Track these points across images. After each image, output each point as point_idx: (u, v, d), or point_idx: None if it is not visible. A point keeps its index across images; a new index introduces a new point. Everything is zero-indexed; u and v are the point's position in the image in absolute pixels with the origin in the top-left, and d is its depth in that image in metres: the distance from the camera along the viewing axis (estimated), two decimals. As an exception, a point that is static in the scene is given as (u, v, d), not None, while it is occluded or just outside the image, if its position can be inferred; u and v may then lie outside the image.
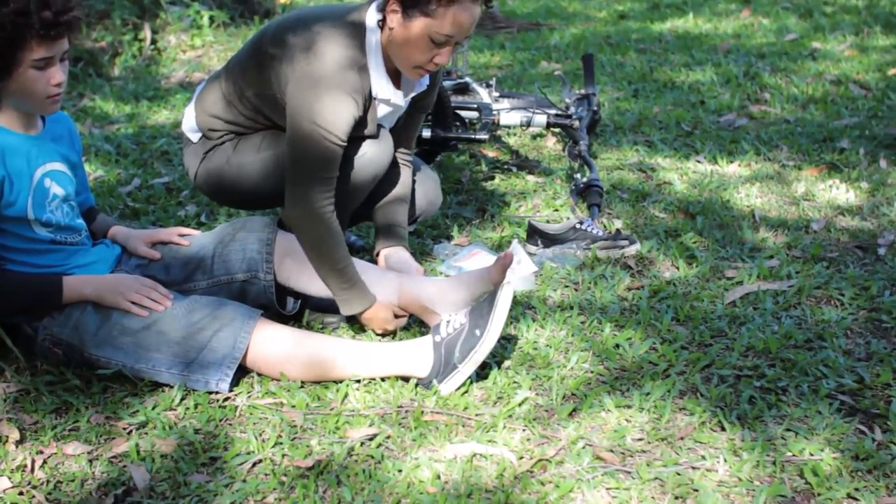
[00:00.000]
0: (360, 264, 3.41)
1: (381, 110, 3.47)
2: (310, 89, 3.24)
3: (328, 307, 3.48)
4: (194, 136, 3.68)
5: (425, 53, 3.27)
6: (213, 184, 3.67)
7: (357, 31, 3.34)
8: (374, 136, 3.48)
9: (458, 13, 3.17)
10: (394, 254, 3.69)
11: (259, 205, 3.84)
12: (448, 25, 3.18)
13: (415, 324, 3.46)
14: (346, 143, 3.30)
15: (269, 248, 3.34)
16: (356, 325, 3.49)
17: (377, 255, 3.73)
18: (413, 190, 3.86)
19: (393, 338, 3.39)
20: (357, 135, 3.40)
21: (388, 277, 3.42)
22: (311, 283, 3.38)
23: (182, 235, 3.46)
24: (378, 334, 3.41)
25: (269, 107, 3.47)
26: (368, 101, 3.38)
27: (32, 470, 2.72)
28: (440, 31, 3.19)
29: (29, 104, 3.04)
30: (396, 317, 3.41)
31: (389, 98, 3.42)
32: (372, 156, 3.46)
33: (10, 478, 2.67)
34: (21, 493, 2.62)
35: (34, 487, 2.64)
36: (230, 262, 3.34)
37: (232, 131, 3.61)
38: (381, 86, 3.40)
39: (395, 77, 3.48)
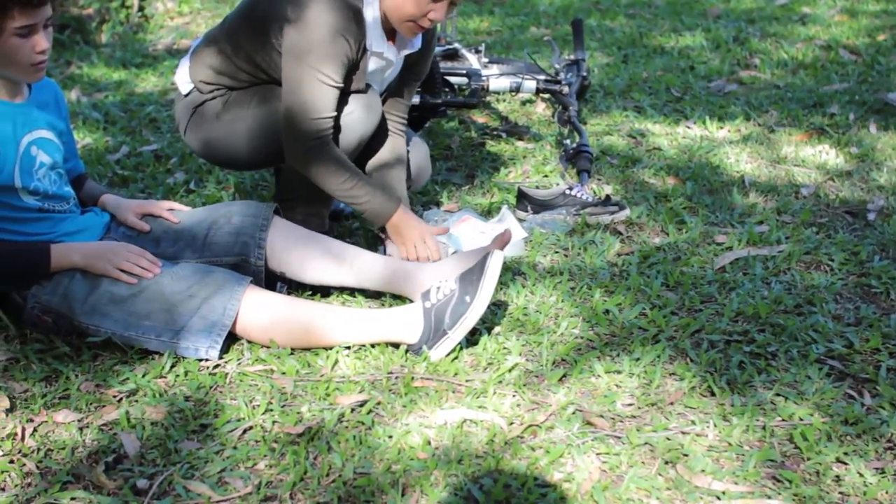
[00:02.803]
0: (347, 248, 3.42)
1: (373, 64, 3.49)
2: (307, 33, 3.27)
3: None
4: (185, 88, 3.68)
5: (420, 7, 3.29)
6: (203, 142, 3.68)
7: None
8: (363, 92, 3.48)
9: None
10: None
11: (247, 165, 3.82)
12: None
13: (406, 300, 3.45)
14: (341, 85, 3.34)
15: (263, 234, 3.33)
16: (345, 291, 3.49)
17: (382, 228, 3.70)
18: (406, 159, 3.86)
19: (383, 304, 3.39)
20: (345, 88, 3.41)
21: (379, 258, 3.41)
22: (304, 270, 3.37)
23: (172, 210, 3.44)
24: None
25: (263, 56, 3.48)
26: (361, 50, 3.39)
27: (23, 438, 2.72)
28: None
29: (13, 72, 3.02)
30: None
31: (382, 52, 3.44)
32: (359, 115, 3.47)
33: (0, 446, 2.67)
34: (12, 462, 2.62)
35: (25, 455, 2.64)
36: (221, 245, 3.33)
37: (224, 85, 3.61)
38: (375, 38, 3.42)
39: (390, 33, 3.49)
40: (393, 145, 3.76)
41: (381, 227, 3.52)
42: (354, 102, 3.46)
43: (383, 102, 3.73)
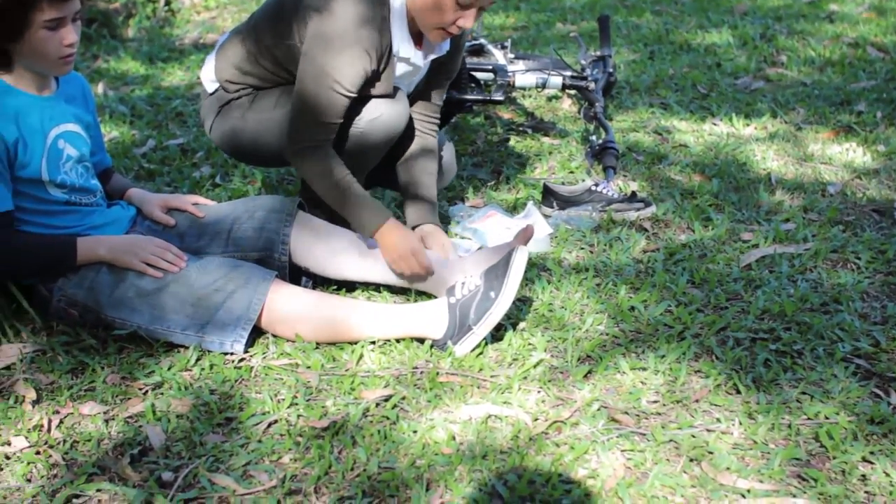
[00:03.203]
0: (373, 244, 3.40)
1: (400, 69, 3.44)
2: (325, 40, 3.23)
3: None
4: (210, 87, 3.67)
5: (449, 15, 3.23)
6: (228, 139, 3.67)
7: None
8: (390, 96, 3.45)
9: None
10: (428, 231, 3.62)
11: (273, 162, 3.81)
12: None
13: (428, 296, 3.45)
14: (353, 95, 3.30)
15: (287, 229, 3.33)
16: (371, 287, 3.49)
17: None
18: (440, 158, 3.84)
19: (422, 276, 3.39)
20: (372, 93, 3.38)
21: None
22: (328, 265, 3.37)
23: (197, 205, 3.45)
24: (404, 276, 3.37)
25: (288, 57, 3.45)
26: (387, 57, 3.35)
27: (49, 430, 2.73)
28: None
29: (41, 65, 3.03)
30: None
31: (409, 57, 3.40)
32: (386, 118, 3.43)
33: (26, 437, 2.68)
34: (38, 453, 2.63)
35: (51, 447, 2.65)
36: (246, 239, 3.34)
37: (250, 84, 3.59)
38: (402, 43, 3.37)
39: (417, 37, 3.44)
40: (423, 146, 3.73)
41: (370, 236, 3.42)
42: (382, 105, 3.43)
43: (413, 102, 3.71)
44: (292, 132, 3.34)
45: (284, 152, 3.39)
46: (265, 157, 3.73)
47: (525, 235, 3.27)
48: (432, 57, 3.53)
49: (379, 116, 3.42)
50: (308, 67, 3.28)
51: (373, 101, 3.42)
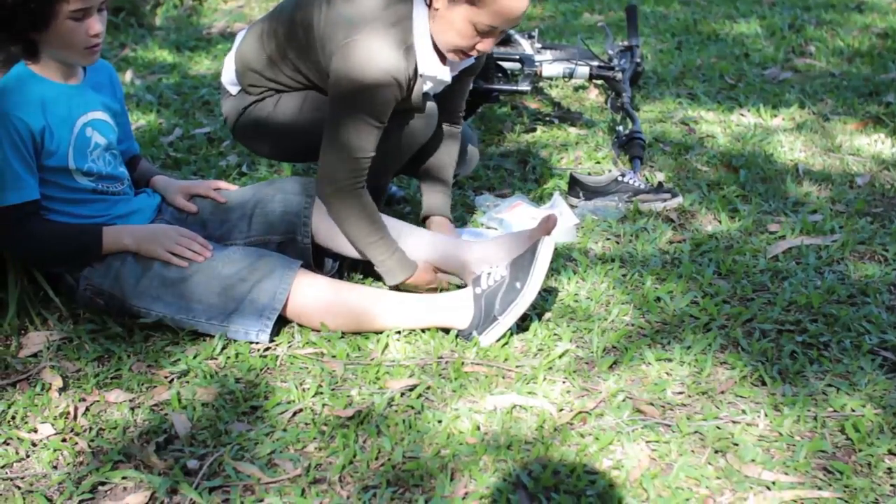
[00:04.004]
0: (397, 225, 3.39)
1: (428, 85, 3.37)
2: (355, 72, 3.13)
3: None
4: (233, 90, 3.62)
5: (467, 40, 3.17)
6: (252, 138, 3.66)
7: (405, 8, 3.22)
8: (421, 110, 3.41)
9: (504, 3, 3.04)
10: (436, 223, 3.67)
11: (298, 159, 3.84)
12: (492, 16, 3.07)
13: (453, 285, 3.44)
14: (384, 124, 3.23)
15: (308, 211, 3.33)
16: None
17: (423, 219, 3.72)
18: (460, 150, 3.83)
19: (435, 290, 3.39)
20: (402, 108, 3.33)
21: (427, 238, 3.39)
22: (352, 247, 3.37)
23: (219, 190, 3.45)
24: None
25: (312, 70, 3.40)
26: (413, 79, 3.28)
27: (75, 417, 2.74)
28: (483, 21, 3.09)
29: (67, 55, 3.04)
30: (439, 271, 3.39)
31: (436, 75, 3.32)
32: (414, 127, 3.41)
33: (53, 424, 2.70)
34: (64, 440, 2.64)
35: (77, 434, 2.67)
36: (268, 223, 3.34)
37: (272, 88, 3.54)
38: (428, 63, 3.28)
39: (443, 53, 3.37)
40: (446, 136, 3.71)
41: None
42: (412, 119, 3.40)
43: (439, 98, 3.68)
44: (327, 171, 3.25)
45: (319, 195, 3.31)
46: (289, 156, 3.76)
47: (548, 225, 3.25)
48: (461, 67, 3.49)
49: (408, 125, 3.40)
50: (339, 107, 3.20)
51: (402, 112, 3.37)
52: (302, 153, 3.63)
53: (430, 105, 3.45)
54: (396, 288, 3.31)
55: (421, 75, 3.29)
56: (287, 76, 3.48)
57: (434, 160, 3.70)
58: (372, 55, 3.11)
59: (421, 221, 3.72)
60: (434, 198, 3.70)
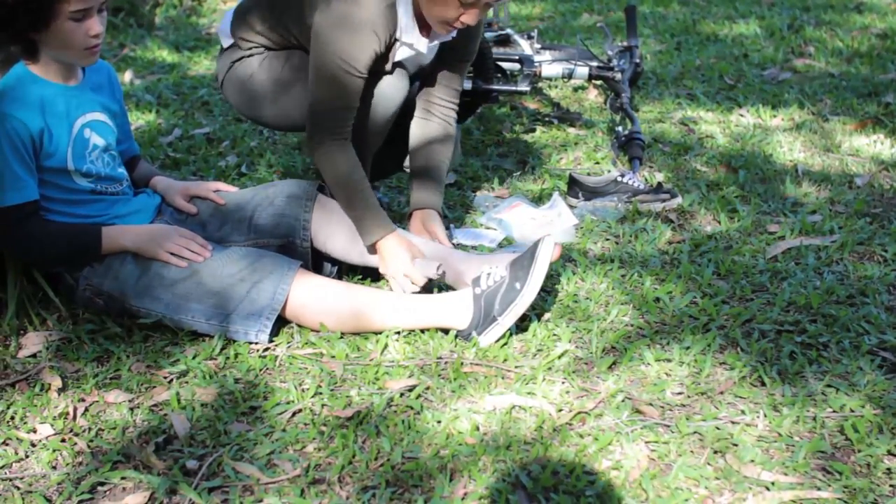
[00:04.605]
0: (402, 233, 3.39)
1: (402, 53, 3.45)
2: (335, 22, 3.24)
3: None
4: (225, 41, 3.76)
5: (452, 12, 3.23)
6: (236, 94, 3.76)
7: None
8: (388, 73, 3.48)
9: None
10: (425, 215, 3.65)
11: (274, 125, 3.86)
12: None
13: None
14: (365, 76, 3.31)
15: (308, 215, 3.33)
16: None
17: (410, 215, 3.70)
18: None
19: (431, 290, 3.39)
20: (374, 69, 3.39)
21: (423, 246, 3.39)
22: (350, 252, 3.37)
23: (218, 192, 3.45)
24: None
25: (300, 28, 3.49)
26: (392, 40, 3.36)
27: (74, 417, 2.75)
28: None
29: (67, 55, 3.04)
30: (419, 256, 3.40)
31: (413, 43, 3.40)
32: (381, 95, 3.47)
33: (52, 425, 2.70)
34: (63, 440, 2.65)
35: (76, 434, 2.67)
36: (267, 226, 3.34)
37: (262, 44, 3.65)
38: (407, 30, 3.37)
39: (424, 24, 3.43)
40: (439, 131, 3.74)
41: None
42: (381, 81, 3.46)
43: (430, 86, 3.72)
44: (312, 120, 3.34)
45: (305, 147, 3.39)
46: (267, 121, 3.80)
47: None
48: (439, 41, 3.54)
49: (377, 93, 3.46)
50: (321, 53, 3.28)
51: (372, 78, 3.43)
52: (278, 118, 3.71)
53: (401, 74, 3.52)
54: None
55: (398, 39, 3.38)
56: (276, 32, 3.60)
57: (427, 159, 3.70)
58: (354, 5, 3.23)
59: (408, 217, 3.71)
60: (424, 193, 3.69)
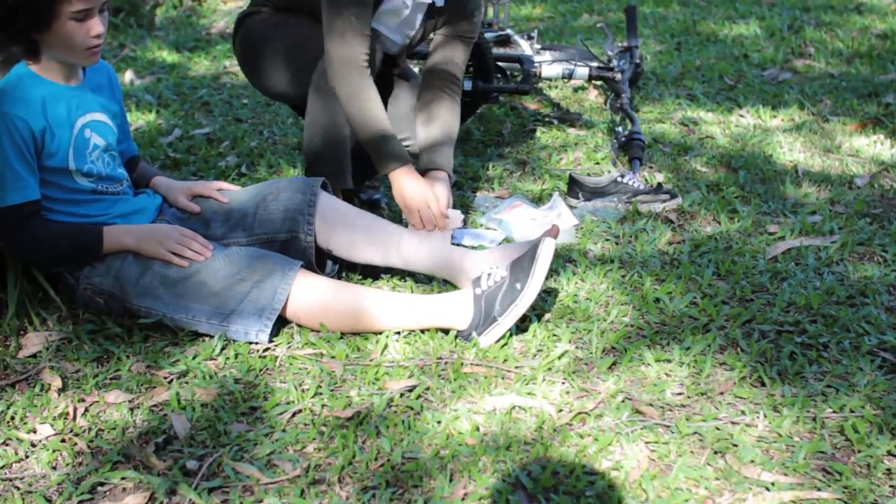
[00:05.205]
0: (396, 230, 3.40)
1: (388, 4, 3.63)
2: None
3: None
4: None
5: None
6: (239, 53, 3.96)
7: None
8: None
9: None
10: (434, 176, 3.68)
11: (278, 91, 3.95)
12: None
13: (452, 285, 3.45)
14: (371, 3, 3.47)
15: (311, 210, 3.33)
16: (396, 275, 3.49)
17: (423, 172, 3.71)
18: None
19: (432, 290, 3.39)
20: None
21: (426, 244, 3.38)
22: (351, 251, 3.37)
23: (221, 191, 3.46)
24: (414, 225, 3.44)
25: None
26: None
27: (74, 417, 2.75)
28: None
29: (69, 55, 3.04)
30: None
31: None
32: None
33: (52, 425, 2.70)
34: (63, 441, 2.64)
35: (76, 435, 2.67)
36: (271, 221, 3.34)
37: (268, 2, 3.85)
38: None
39: None
40: (446, 108, 3.80)
41: (385, 175, 3.54)
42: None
43: (430, 63, 3.86)
44: (333, 50, 3.46)
45: (330, 80, 3.51)
46: (272, 84, 3.92)
47: (550, 235, 3.26)
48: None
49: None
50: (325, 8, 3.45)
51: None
52: (283, 82, 3.85)
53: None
54: (394, 272, 3.32)
55: None
56: None
57: (436, 125, 3.79)
58: None
59: (422, 173, 3.68)
60: (436, 152, 3.75)
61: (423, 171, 3.67)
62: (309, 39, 3.63)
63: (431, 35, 3.86)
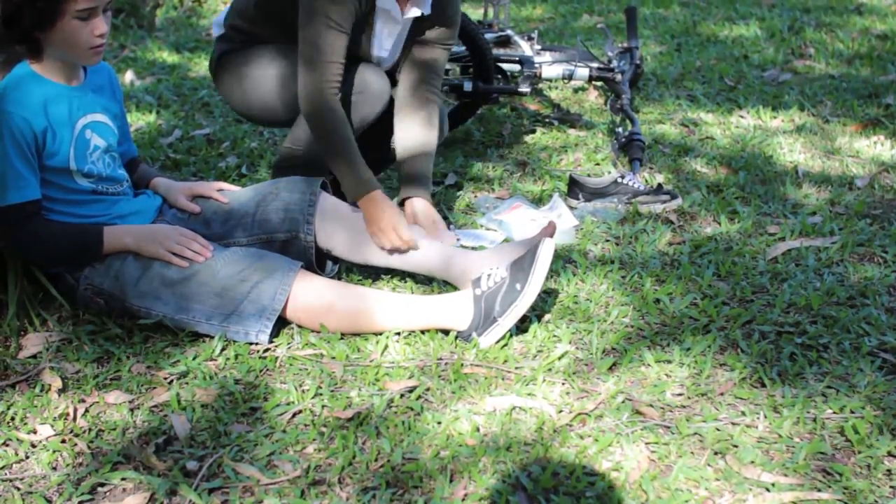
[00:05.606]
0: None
1: (381, 23, 3.59)
2: None
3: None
4: (216, 31, 3.88)
5: None
6: (223, 88, 3.88)
7: None
8: (369, 60, 3.64)
9: None
10: (416, 206, 3.67)
11: (258, 119, 3.93)
12: None
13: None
14: (346, 31, 3.44)
15: (311, 210, 3.33)
16: (396, 276, 3.49)
17: (402, 202, 3.71)
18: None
19: (432, 291, 3.39)
20: (354, 51, 3.55)
21: (426, 245, 3.38)
22: (350, 252, 3.38)
23: (221, 191, 3.46)
24: (386, 249, 3.37)
25: (293, 16, 3.54)
26: (369, 6, 3.52)
27: (74, 418, 2.74)
28: None
29: (71, 55, 3.04)
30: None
31: (390, 10, 3.55)
32: (365, 96, 3.59)
33: (52, 426, 2.69)
34: (63, 441, 2.64)
35: (76, 435, 2.66)
36: (271, 221, 3.34)
37: (251, 34, 3.77)
38: None
39: None
40: (424, 117, 3.77)
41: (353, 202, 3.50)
42: (363, 81, 3.58)
43: (411, 67, 3.83)
44: (303, 80, 3.45)
45: (300, 102, 3.49)
46: (250, 115, 3.89)
47: (547, 232, 3.27)
48: (412, 13, 3.62)
49: (364, 90, 3.58)
50: (303, 13, 3.43)
51: (359, 73, 3.56)
52: (252, 111, 3.84)
53: (382, 76, 3.66)
54: (395, 273, 3.32)
55: (376, 6, 3.54)
56: (267, 28, 3.73)
57: (414, 147, 3.75)
58: None
59: (399, 203, 3.71)
60: (414, 180, 3.73)
61: (403, 200, 3.71)
62: (291, 68, 3.64)
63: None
